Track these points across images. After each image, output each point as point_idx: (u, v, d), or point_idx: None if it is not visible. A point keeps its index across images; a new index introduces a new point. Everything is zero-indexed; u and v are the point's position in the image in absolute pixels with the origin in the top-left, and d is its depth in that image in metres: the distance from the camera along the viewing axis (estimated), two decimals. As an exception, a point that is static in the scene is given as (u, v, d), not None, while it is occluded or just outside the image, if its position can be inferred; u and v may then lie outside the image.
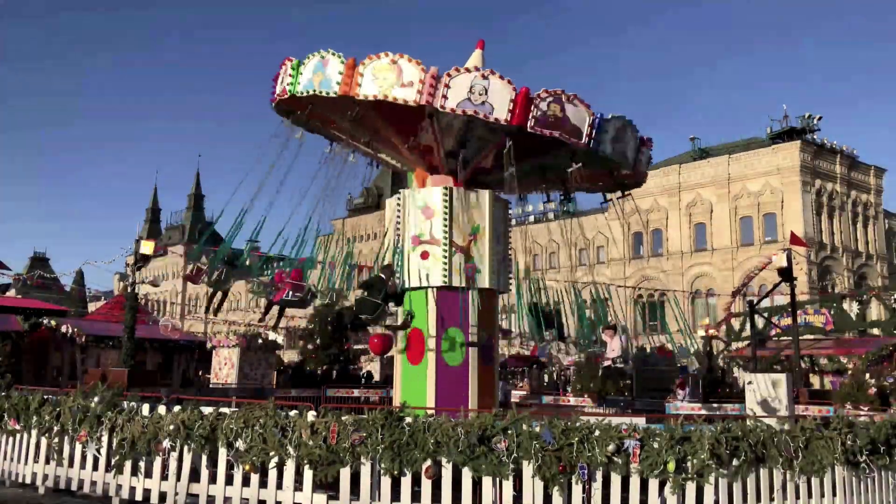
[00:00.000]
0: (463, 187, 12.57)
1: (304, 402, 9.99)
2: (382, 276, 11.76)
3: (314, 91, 11.37)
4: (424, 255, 12.24)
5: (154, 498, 8.52)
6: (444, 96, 10.67)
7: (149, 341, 24.11)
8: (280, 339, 28.22)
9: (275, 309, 13.31)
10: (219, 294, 13.45)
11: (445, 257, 12.13)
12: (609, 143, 11.81)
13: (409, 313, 12.18)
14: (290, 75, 11.85)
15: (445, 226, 12.25)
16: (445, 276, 12.07)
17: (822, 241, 51.31)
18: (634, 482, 7.27)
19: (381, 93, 10.81)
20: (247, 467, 8.04)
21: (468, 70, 10.88)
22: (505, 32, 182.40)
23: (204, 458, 8.40)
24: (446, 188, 12.42)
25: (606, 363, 21.20)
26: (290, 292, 12.36)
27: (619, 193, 14.77)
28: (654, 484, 7.27)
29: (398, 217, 12.70)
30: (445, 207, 12.31)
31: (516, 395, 25.84)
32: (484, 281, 12.41)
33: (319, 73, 11.33)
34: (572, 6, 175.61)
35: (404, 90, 10.74)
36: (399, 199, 12.80)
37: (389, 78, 10.79)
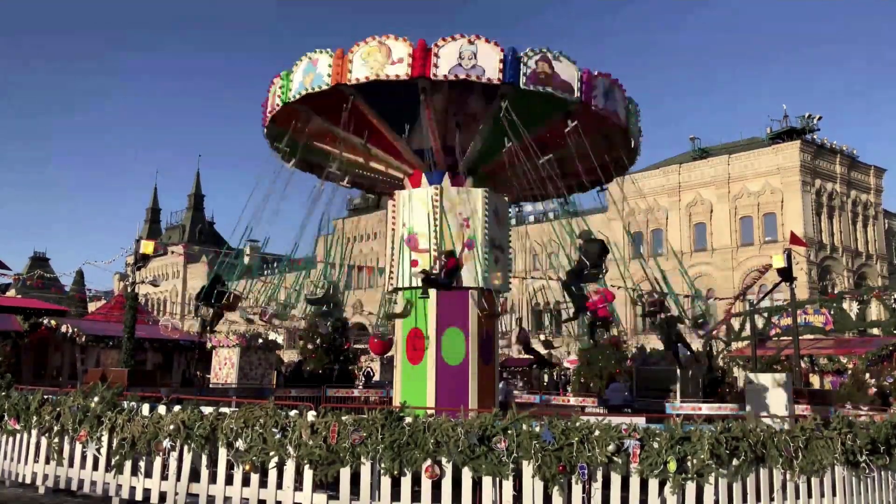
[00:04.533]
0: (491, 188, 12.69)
1: (305, 402, 9.98)
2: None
3: (307, 90, 11.39)
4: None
5: (154, 498, 8.52)
6: (435, 65, 10.69)
7: (149, 341, 24.10)
8: (280, 339, 28.08)
9: None
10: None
11: (486, 259, 12.22)
12: (601, 98, 11.82)
13: (408, 302, 12.16)
14: (280, 87, 11.98)
15: (486, 227, 12.32)
16: (485, 278, 12.18)
17: (822, 241, 51.23)
18: (634, 482, 7.27)
19: (374, 73, 10.84)
20: (247, 467, 8.04)
21: (454, 38, 10.88)
22: (511, 32, 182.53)
23: (204, 458, 8.39)
24: (486, 191, 12.48)
25: None
26: None
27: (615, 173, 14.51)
28: (654, 484, 7.27)
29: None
30: (486, 209, 12.35)
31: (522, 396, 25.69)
32: (480, 280, 12.45)
33: (310, 74, 11.40)
34: (572, 5, 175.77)
35: (395, 67, 10.79)
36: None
37: (379, 58, 10.84)
